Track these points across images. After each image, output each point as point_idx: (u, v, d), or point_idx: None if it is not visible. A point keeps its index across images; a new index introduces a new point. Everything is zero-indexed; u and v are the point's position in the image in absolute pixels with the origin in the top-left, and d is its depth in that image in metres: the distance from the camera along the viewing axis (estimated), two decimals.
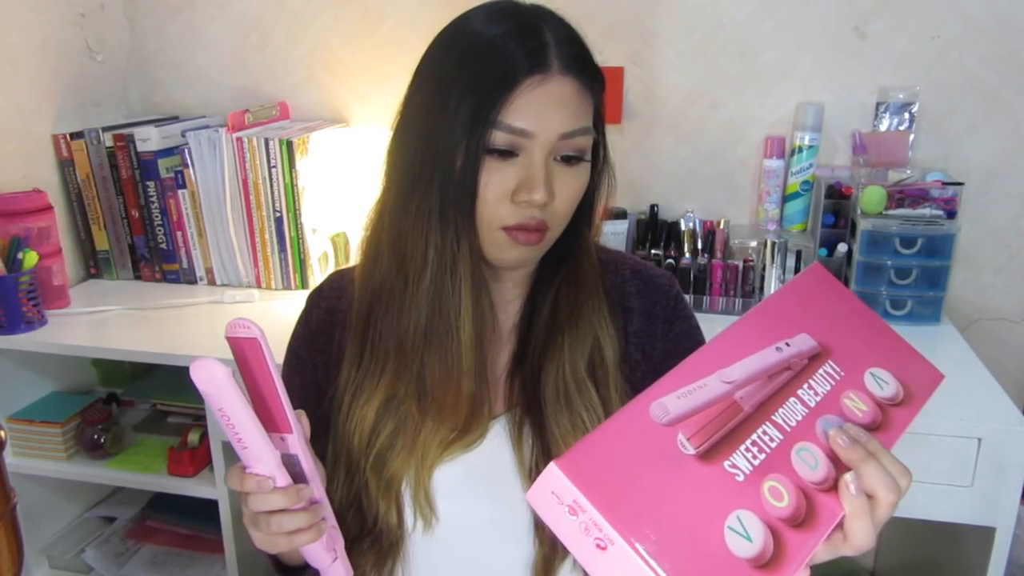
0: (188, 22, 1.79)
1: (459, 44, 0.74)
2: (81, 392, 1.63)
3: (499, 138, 0.71)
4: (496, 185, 0.72)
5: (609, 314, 0.83)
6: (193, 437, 1.45)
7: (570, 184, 0.75)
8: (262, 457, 0.61)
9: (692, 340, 0.87)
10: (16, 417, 1.50)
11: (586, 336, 0.80)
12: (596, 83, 0.76)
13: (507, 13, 0.74)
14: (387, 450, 0.78)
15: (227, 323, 0.58)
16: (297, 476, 0.64)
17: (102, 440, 1.49)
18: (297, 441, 0.62)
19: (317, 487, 0.67)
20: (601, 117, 0.79)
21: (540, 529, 0.78)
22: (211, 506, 1.41)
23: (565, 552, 0.78)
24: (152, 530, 1.68)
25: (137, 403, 1.65)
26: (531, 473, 0.78)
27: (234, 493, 1.38)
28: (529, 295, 0.85)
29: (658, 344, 0.85)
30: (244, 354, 0.58)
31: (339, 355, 0.84)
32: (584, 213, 0.81)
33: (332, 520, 0.69)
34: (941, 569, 1.35)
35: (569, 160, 0.74)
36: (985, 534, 1.12)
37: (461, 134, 0.70)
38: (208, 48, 1.80)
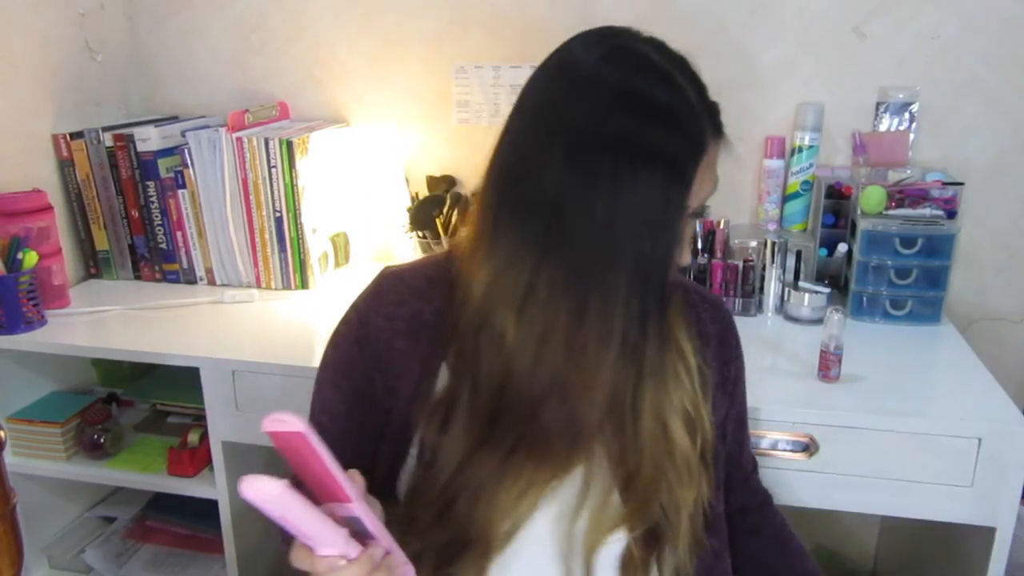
0: (188, 22, 1.79)
1: (633, 103, 0.67)
2: (81, 392, 1.63)
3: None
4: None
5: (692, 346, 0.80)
6: (193, 437, 1.45)
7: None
8: (329, 541, 0.61)
9: (743, 360, 0.92)
10: (16, 417, 1.50)
11: (668, 386, 0.76)
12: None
13: (658, 76, 0.69)
14: (481, 491, 0.73)
15: (265, 421, 0.56)
16: (361, 532, 0.64)
17: (102, 440, 1.49)
18: (357, 506, 0.62)
19: (384, 537, 0.65)
20: None
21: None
22: (211, 506, 1.41)
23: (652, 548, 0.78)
24: (152, 530, 1.68)
25: (137, 403, 1.65)
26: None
27: (234, 493, 1.39)
28: None
29: (731, 367, 0.87)
30: (291, 444, 0.57)
31: (401, 364, 0.79)
32: None
33: (400, 556, 0.67)
34: (941, 569, 1.35)
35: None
36: (985, 534, 1.12)
37: (655, 209, 0.66)
38: (208, 48, 1.80)
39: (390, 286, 0.82)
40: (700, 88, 0.71)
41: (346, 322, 0.83)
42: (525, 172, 0.69)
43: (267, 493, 0.54)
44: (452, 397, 0.75)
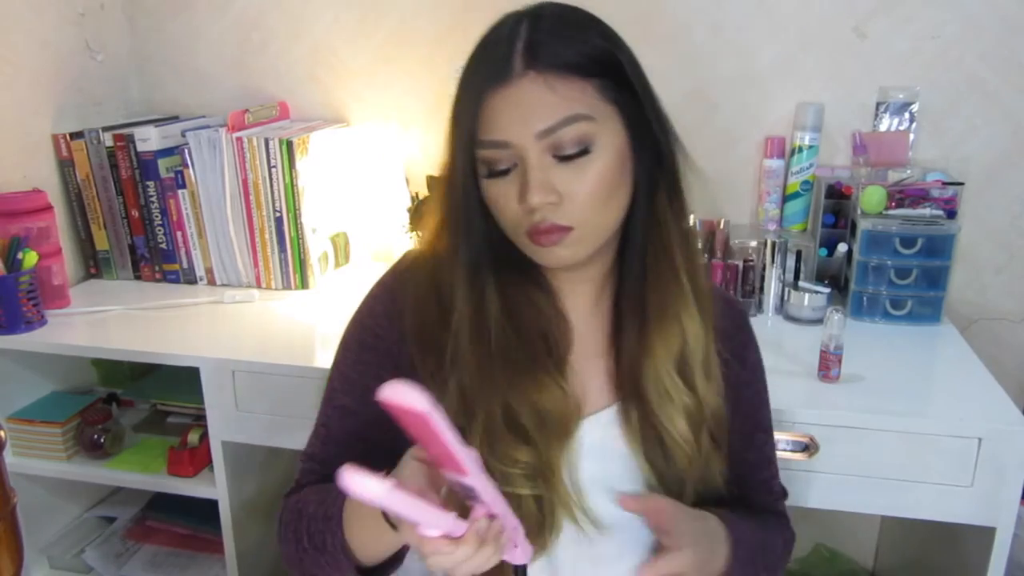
0: (188, 22, 1.79)
1: (463, 72, 0.75)
2: (81, 392, 1.63)
3: (483, 156, 0.73)
4: (504, 199, 0.74)
5: (701, 320, 0.82)
6: (193, 437, 1.45)
7: (576, 180, 0.72)
8: (434, 523, 0.61)
9: (760, 370, 0.92)
10: (16, 417, 1.50)
11: (675, 333, 0.80)
12: (586, 65, 0.72)
13: (491, 30, 0.75)
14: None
15: (385, 389, 0.54)
16: (475, 499, 0.63)
17: (102, 440, 1.49)
18: (473, 478, 0.61)
19: (498, 503, 0.64)
20: (621, 90, 0.74)
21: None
22: (211, 506, 1.41)
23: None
24: (152, 530, 1.68)
25: (137, 403, 1.65)
26: (646, 455, 0.81)
27: (234, 493, 1.39)
28: (615, 293, 0.85)
29: (733, 366, 0.87)
30: (411, 418, 0.55)
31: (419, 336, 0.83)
32: (644, 201, 0.79)
33: (512, 521, 0.67)
34: (941, 569, 1.35)
35: (568, 157, 0.72)
36: (985, 534, 1.12)
37: (459, 162, 0.74)
38: (208, 48, 1.80)
39: (415, 264, 0.88)
40: (501, 40, 0.72)
41: (373, 296, 0.88)
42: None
43: (372, 492, 0.53)
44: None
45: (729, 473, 0.87)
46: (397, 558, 0.76)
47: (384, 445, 0.75)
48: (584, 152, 0.72)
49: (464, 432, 0.74)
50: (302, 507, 0.81)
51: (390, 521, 0.68)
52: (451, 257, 0.78)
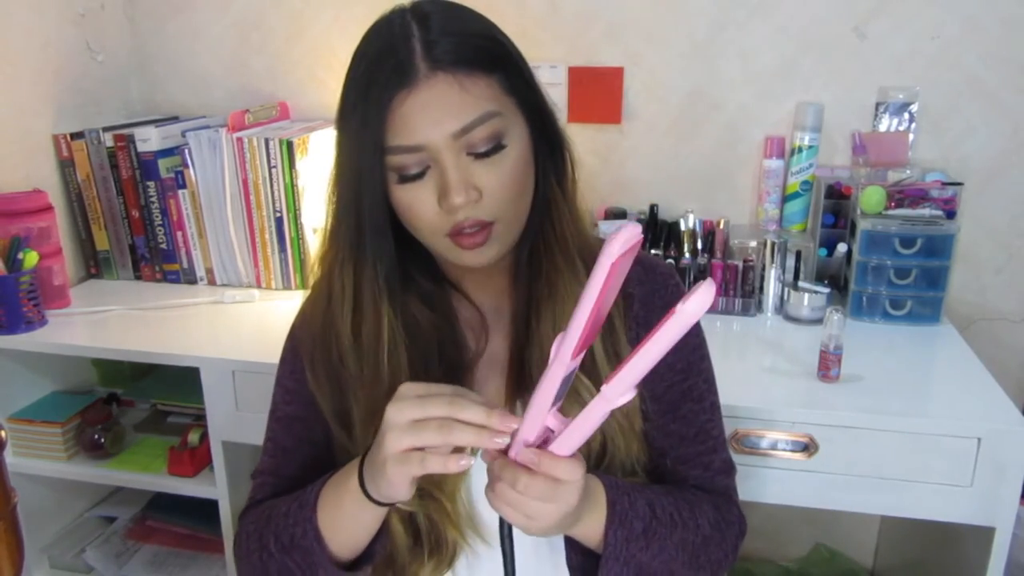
0: (188, 22, 1.79)
1: (350, 80, 0.74)
2: (81, 392, 1.63)
3: (393, 162, 0.71)
4: (420, 203, 0.72)
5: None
6: (193, 437, 1.45)
7: (494, 175, 0.72)
8: (530, 426, 0.62)
9: (693, 337, 0.86)
10: (16, 417, 1.50)
11: (565, 314, 0.76)
12: (486, 60, 0.72)
13: (376, 33, 0.73)
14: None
15: (616, 237, 0.53)
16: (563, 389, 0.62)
17: (102, 440, 1.49)
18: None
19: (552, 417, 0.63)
20: (517, 79, 0.75)
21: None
22: (211, 506, 1.41)
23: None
24: (152, 530, 1.68)
25: (137, 403, 1.65)
26: None
27: (234, 493, 1.39)
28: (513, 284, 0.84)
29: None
30: (616, 266, 0.54)
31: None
32: (540, 188, 0.79)
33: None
34: (941, 569, 1.35)
35: (483, 154, 0.72)
36: (985, 534, 1.12)
37: (365, 173, 0.72)
38: (208, 48, 1.80)
39: None
40: (395, 44, 0.71)
41: None
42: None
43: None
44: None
45: (653, 446, 0.85)
46: (367, 555, 0.77)
47: (325, 442, 0.81)
48: (498, 147, 0.72)
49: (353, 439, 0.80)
50: (270, 512, 0.82)
51: (368, 495, 0.69)
52: (353, 274, 0.77)
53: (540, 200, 0.79)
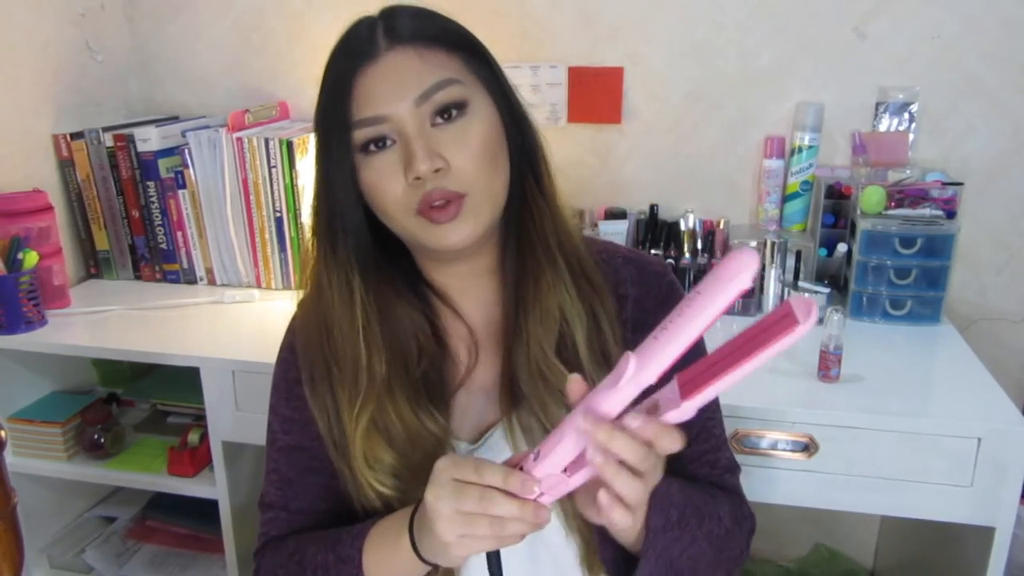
0: (188, 22, 1.79)
1: (323, 74, 0.76)
2: (81, 392, 1.63)
3: (359, 137, 0.72)
4: (389, 176, 0.72)
5: (578, 296, 0.80)
6: (193, 437, 1.45)
7: (459, 139, 0.72)
8: (554, 462, 0.61)
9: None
10: (16, 417, 1.50)
11: (549, 312, 0.78)
12: (447, 39, 0.74)
13: (346, 32, 0.76)
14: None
15: (792, 304, 0.51)
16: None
17: (102, 440, 1.49)
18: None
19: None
20: (482, 65, 0.76)
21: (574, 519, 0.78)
22: (211, 506, 1.41)
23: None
24: (152, 530, 1.68)
25: (137, 403, 1.65)
26: None
27: (234, 493, 1.39)
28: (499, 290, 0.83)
29: (648, 332, 0.84)
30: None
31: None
32: (515, 188, 0.79)
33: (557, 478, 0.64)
34: (941, 569, 1.35)
35: (446, 116, 0.72)
36: (985, 534, 1.12)
37: (334, 153, 0.73)
38: (208, 48, 1.80)
39: None
40: (362, 30, 0.74)
41: None
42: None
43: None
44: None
45: None
46: None
47: (330, 471, 0.80)
48: (462, 113, 0.73)
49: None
50: (301, 559, 0.80)
51: (417, 551, 0.69)
52: (335, 261, 0.78)
53: (517, 198, 0.79)
